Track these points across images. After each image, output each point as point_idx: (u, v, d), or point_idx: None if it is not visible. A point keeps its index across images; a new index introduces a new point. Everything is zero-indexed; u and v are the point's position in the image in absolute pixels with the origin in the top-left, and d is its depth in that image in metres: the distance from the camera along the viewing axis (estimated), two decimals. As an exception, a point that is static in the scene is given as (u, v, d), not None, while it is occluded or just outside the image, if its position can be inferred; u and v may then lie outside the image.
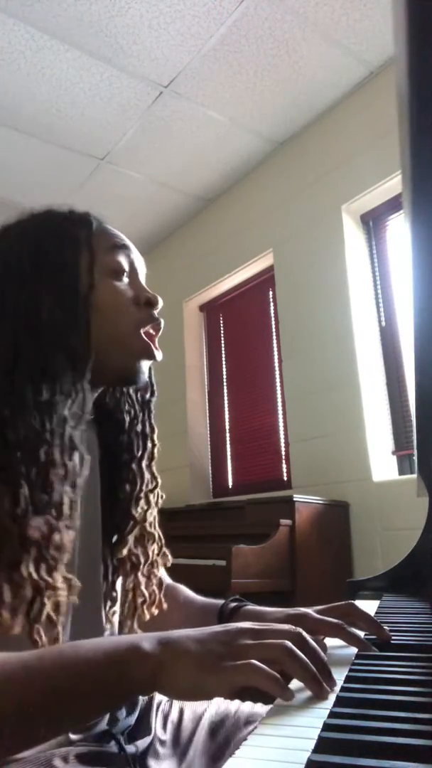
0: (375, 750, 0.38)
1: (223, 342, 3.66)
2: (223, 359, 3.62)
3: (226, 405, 3.53)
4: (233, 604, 0.81)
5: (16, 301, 0.69)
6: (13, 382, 0.65)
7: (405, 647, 0.65)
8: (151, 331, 0.77)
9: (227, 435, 3.47)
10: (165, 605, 0.85)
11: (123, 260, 0.77)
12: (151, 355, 0.77)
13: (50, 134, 2.99)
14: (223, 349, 3.65)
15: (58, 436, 0.65)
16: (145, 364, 0.77)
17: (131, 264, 0.79)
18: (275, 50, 2.51)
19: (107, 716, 0.71)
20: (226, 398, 3.54)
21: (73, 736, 0.68)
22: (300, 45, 2.49)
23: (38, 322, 0.68)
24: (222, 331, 3.69)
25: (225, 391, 3.55)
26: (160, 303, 0.79)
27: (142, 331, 0.76)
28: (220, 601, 0.84)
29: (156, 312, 0.78)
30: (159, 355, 0.78)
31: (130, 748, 0.70)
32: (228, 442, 3.46)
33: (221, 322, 3.70)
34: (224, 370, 3.60)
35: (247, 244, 3.33)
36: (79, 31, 2.39)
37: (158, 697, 0.84)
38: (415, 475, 1.38)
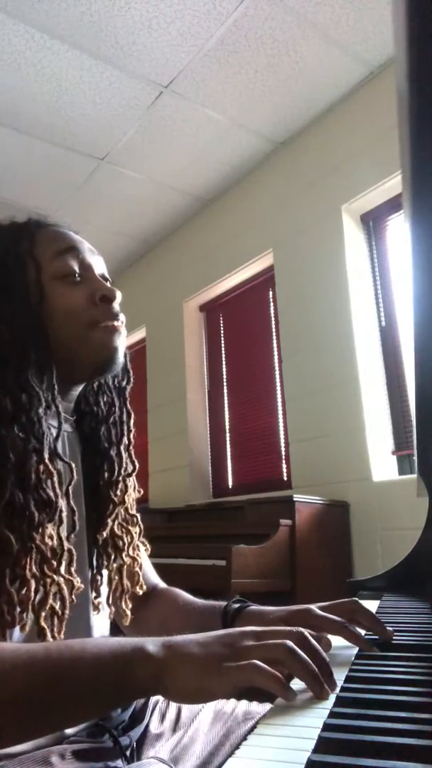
0: (375, 750, 0.38)
1: (223, 342, 3.66)
2: (223, 359, 3.62)
3: (226, 405, 3.52)
4: (236, 605, 0.81)
5: None
6: None
7: (405, 647, 0.65)
8: (109, 323, 0.77)
9: (227, 435, 3.47)
10: (145, 586, 0.88)
11: (71, 262, 0.77)
12: (114, 332, 0.77)
13: (50, 134, 2.99)
14: (223, 349, 3.65)
15: (42, 443, 0.68)
16: (117, 347, 0.78)
17: (81, 263, 0.79)
18: (275, 50, 2.51)
19: None
20: (226, 398, 3.53)
21: (68, 731, 0.69)
22: (300, 45, 2.49)
23: (2, 341, 0.71)
24: (222, 331, 3.69)
25: (225, 391, 3.55)
26: (118, 296, 0.79)
27: (99, 325, 0.76)
28: (222, 603, 0.84)
29: (115, 305, 0.78)
30: (122, 334, 0.79)
31: (124, 740, 0.71)
32: (228, 442, 3.46)
33: (221, 322, 3.70)
34: (224, 370, 3.60)
35: (247, 244, 3.33)
36: (79, 31, 2.39)
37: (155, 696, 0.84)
38: (415, 475, 1.38)
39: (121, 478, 0.84)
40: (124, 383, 0.88)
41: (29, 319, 0.73)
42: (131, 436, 0.87)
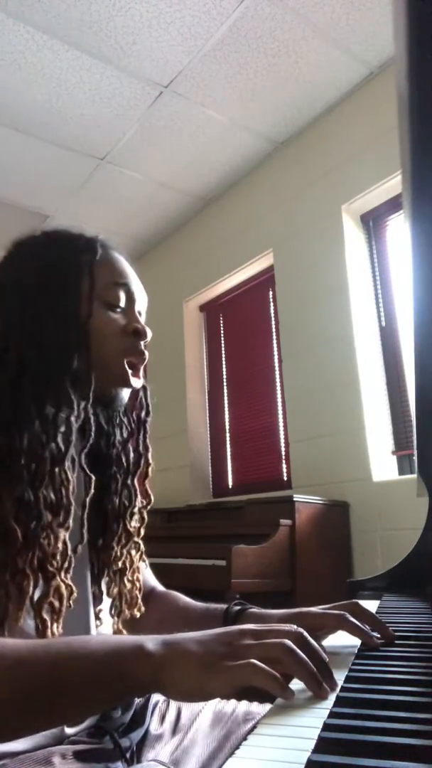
0: (375, 750, 0.38)
1: (223, 342, 3.66)
2: (223, 359, 3.62)
3: (226, 405, 3.52)
4: (237, 608, 0.81)
5: (22, 318, 0.74)
6: (18, 395, 0.69)
7: (405, 647, 0.65)
8: (134, 360, 0.80)
9: (227, 435, 3.47)
10: (143, 609, 0.87)
11: (121, 295, 0.80)
12: (127, 383, 0.79)
13: (50, 134, 2.99)
14: (223, 349, 3.65)
15: (64, 451, 0.69)
16: (122, 392, 0.80)
17: (128, 297, 0.82)
18: (275, 50, 2.51)
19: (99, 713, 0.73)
20: (226, 398, 3.53)
21: (68, 730, 0.69)
22: (300, 45, 2.49)
23: (42, 342, 0.72)
24: (222, 331, 3.69)
25: (225, 391, 3.55)
26: (149, 335, 0.81)
27: (125, 360, 0.79)
28: (222, 606, 0.84)
29: (143, 343, 0.81)
30: (138, 383, 0.81)
31: (124, 742, 0.71)
32: (228, 442, 3.46)
33: (221, 322, 3.70)
34: (224, 370, 3.60)
35: (247, 244, 3.33)
36: (79, 31, 2.39)
37: (155, 696, 0.84)
38: (415, 475, 1.38)
39: (136, 510, 0.84)
40: (143, 415, 0.88)
41: (77, 329, 0.75)
42: (150, 469, 0.87)
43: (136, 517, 0.84)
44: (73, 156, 3.15)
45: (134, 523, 0.84)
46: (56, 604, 0.66)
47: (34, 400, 0.69)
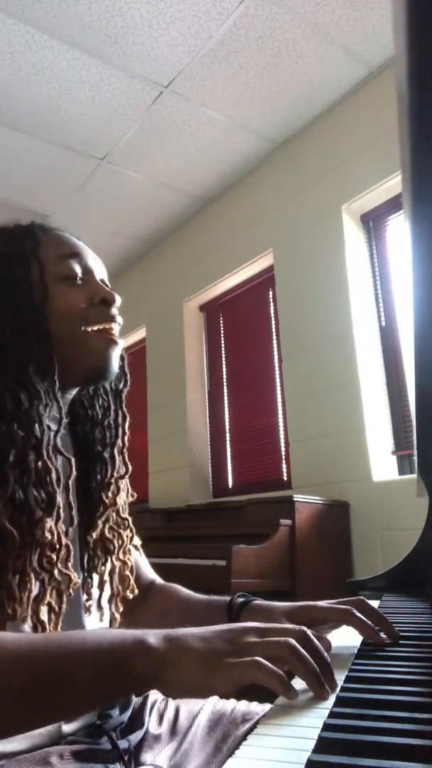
0: (375, 750, 0.38)
1: (223, 342, 3.66)
2: (223, 359, 3.62)
3: (226, 405, 3.52)
4: (241, 600, 0.81)
5: None
6: None
7: (405, 647, 0.65)
8: (107, 326, 0.78)
9: (227, 435, 3.47)
10: (137, 591, 0.86)
11: (74, 266, 0.78)
12: (111, 343, 0.78)
13: (50, 134, 2.99)
14: (223, 349, 3.65)
15: (42, 441, 0.69)
16: (111, 357, 0.78)
17: (84, 267, 0.80)
18: (275, 50, 2.51)
19: (97, 711, 0.72)
20: (226, 398, 3.53)
21: (65, 728, 0.68)
22: (300, 45, 2.49)
23: (3, 338, 0.71)
24: (222, 331, 3.69)
25: (225, 391, 3.55)
26: (118, 300, 0.80)
27: (93, 328, 0.77)
28: (225, 597, 0.84)
29: (114, 309, 0.79)
30: (121, 342, 0.80)
31: (123, 743, 0.71)
32: (228, 442, 3.46)
33: (221, 322, 3.70)
34: (224, 370, 3.60)
35: (247, 244, 3.33)
36: (79, 31, 2.39)
37: (153, 695, 0.84)
38: (415, 475, 1.38)
39: (113, 480, 0.83)
40: (120, 386, 0.88)
41: (32, 316, 0.73)
42: (126, 438, 0.86)
43: (113, 487, 0.83)
44: (73, 156, 3.15)
45: (111, 494, 0.83)
46: (54, 602, 0.66)
47: (8, 395, 0.68)
